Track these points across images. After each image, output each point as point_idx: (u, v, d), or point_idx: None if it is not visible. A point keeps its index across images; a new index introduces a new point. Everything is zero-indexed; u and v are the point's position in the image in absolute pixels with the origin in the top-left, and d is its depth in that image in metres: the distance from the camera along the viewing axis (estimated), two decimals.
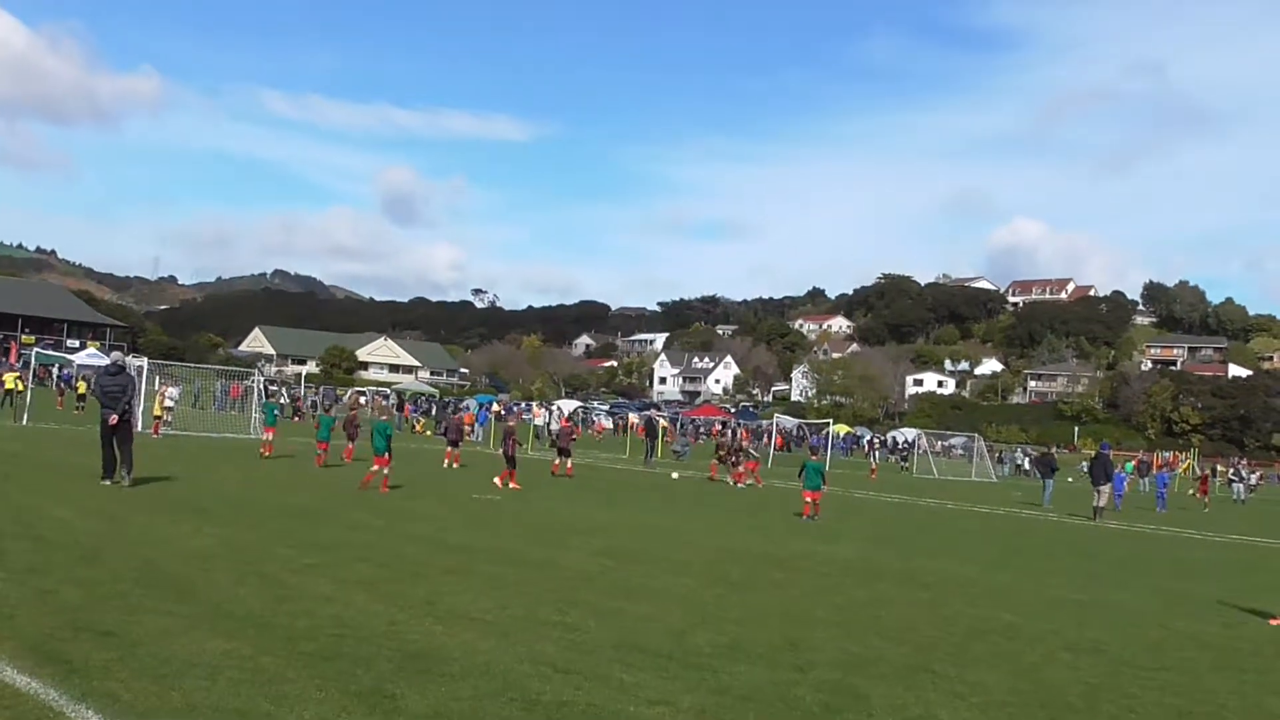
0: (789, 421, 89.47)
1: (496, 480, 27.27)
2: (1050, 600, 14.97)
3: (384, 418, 27.70)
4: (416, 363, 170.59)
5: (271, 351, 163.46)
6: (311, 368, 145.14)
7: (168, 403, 42.46)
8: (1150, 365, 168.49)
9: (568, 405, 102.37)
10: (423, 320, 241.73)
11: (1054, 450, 46.47)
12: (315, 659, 8.44)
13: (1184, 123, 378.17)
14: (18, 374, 54.98)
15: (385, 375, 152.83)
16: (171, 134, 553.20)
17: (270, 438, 32.36)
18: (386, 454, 23.69)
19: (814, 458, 26.68)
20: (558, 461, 33.07)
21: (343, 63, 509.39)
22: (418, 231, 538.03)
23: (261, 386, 48.65)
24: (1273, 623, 14.96)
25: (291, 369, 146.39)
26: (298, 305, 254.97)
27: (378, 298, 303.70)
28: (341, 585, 11.70)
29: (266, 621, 9.60)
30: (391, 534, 16.53)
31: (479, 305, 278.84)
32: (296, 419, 63.46)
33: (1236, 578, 20.53)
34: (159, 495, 19.41)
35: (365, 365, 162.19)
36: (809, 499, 24.67)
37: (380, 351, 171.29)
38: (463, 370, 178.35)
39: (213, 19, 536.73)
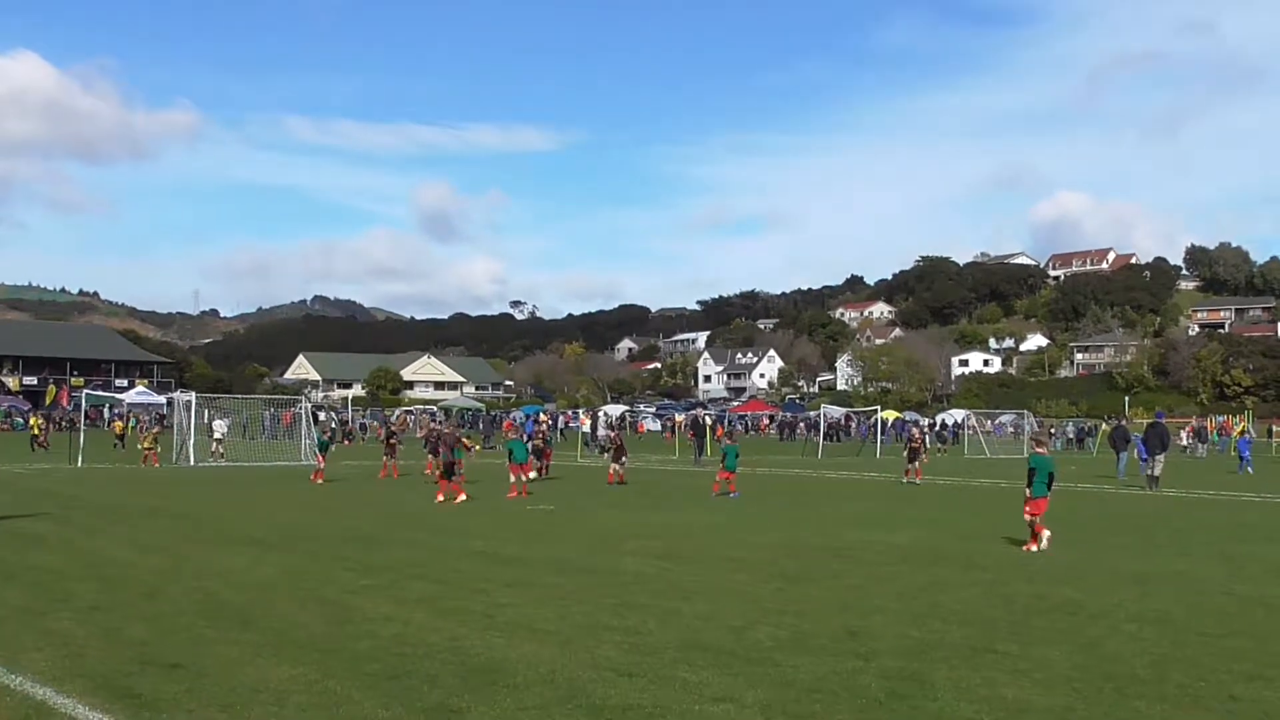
0: (836, 411, 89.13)
1: (439, 496, 25.55)
2: (1111, 573, 14.83)
3: (514, 436, 29.05)
4: (461, 379, 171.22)
5: (317, 377, 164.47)
6: (358, 390, 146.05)
7: (217, 434, 42.89)
8: (1197, 330, 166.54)
9: (615, 410, 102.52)
10: (464, 336, 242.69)
11: (1125, 422, 45.71)
12: (380, 679, 8.52)
13: (1222, 82, 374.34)
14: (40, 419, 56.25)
15: (431, 393, 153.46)
16: (205, 168, 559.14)
17: (321, 465, 32.53)
18: (526, 463, 26.78)
19: (729, 441, 29.95)
20: (613, 469, 31.95)
21: (363, 86, 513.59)
22: (457, 248, 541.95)
23: (310, 413, 48.96)
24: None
25: (338, 393, 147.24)
26: (339, 329, 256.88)
27: (418, 316, 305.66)
28: (401, 604, 11.79)
29: (330, 645, 9.70)
30: (447, 551, 16.61)
31: (519, 317, 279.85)
32: (347, 443, 63.87)
33: None
34: (216, 528, 19.62)
35: (410, 384, 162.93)
36: (721, 478, 27.40)
37: (424, 370, 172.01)
38: (508, 383, 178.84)
39: (234, 49, 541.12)
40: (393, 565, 14.86)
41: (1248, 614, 11.89)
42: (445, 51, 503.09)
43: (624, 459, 31.83)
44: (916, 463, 33.99)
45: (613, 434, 36.30)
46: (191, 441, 41.95)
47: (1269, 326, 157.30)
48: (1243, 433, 67.54)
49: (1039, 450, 18.42)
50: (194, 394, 47.34)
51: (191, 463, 40.73)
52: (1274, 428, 77.92)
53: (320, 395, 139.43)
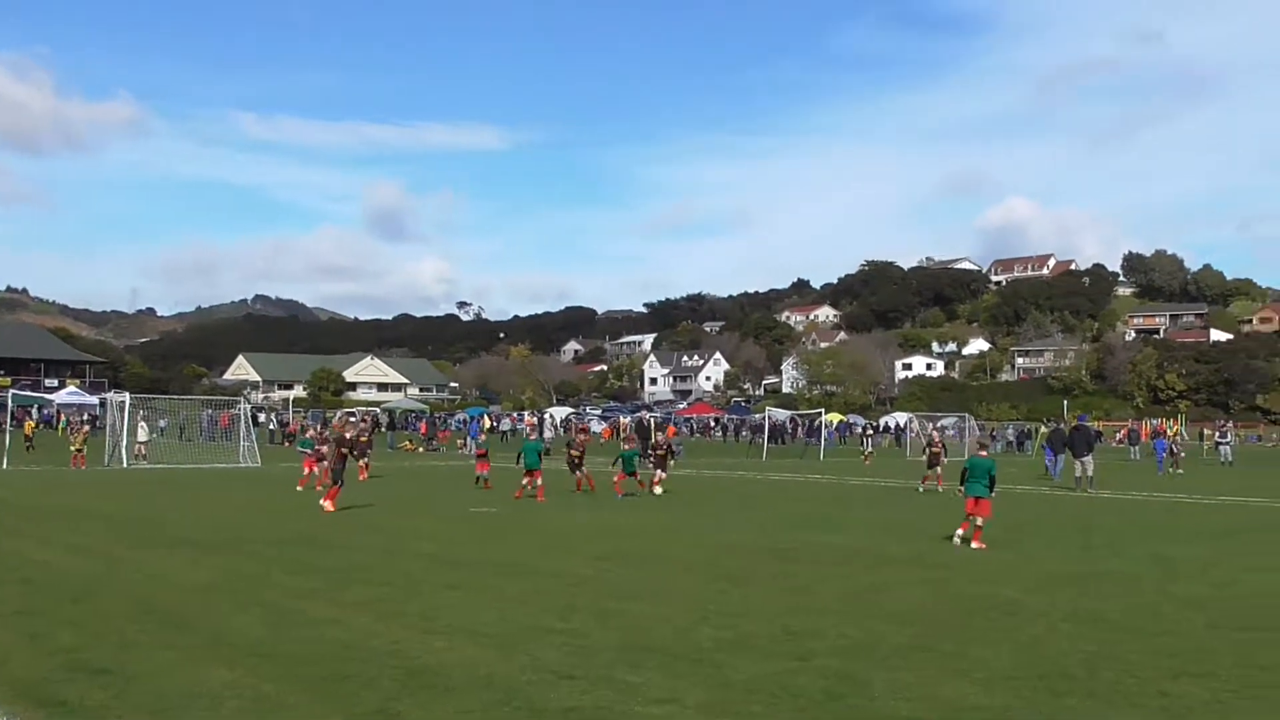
0: (781, 413, 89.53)
1: (325, 503, 23.35)
2: (1049, 574, 14.99)
3: (533, 436, 28.63)
4: (405, 380, 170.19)
5: (257, 378, 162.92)
6: (299, 392, 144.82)
7: (141, 437, 42.37)
8: (1134, 335, 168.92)
9: (559, 412, 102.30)
10: (409, 337, 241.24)
11: (1062, 425, 46.53)
12: (318, 683, 8.45)
13: (1168, 91, 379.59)
14: None
15: (374, 395, 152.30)
16: (146, 162, 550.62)
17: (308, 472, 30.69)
18: (538, 469, 26.56)
19: (628, 446, 30.03)
20: (578, 475, 29.70)
21: (314, 83, 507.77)
22: (406, 247, 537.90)
23: (249, 414, 48.45)
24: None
25: (278, 394, 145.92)
26: (281, 330, 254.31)
27: (362, 316, 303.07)
28: (343, 608, 11.70)
29: (268, 649, 9.59)
30: (391, 554, 16.50)
31: (464, 318, 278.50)
32: (287, 445, 63.36)
33: (1226, 538, 20.60)
34: (150, 530, 19.37)
35: (353, 386, 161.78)
36: (619, 480, 28.17)
37: (367, 371, 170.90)
38: (452, 384, 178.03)
39: (180, 43, 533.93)
40: (334, 568, 14.74)
41: (1178, 613, 12.06)
42: (398, 49, 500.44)
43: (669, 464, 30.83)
44: (938, 468, 31.93)
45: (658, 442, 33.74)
46: (125, 443, 41.42)
47: (1202, 332, 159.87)
48: (1175, 435, 68.61)
49: (980, 453, 19.01)
50: (128, 394, 46.65)
51: (125, 464, 40.19)
52: (1205, 431, 79.10)
53: (260, 396, 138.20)
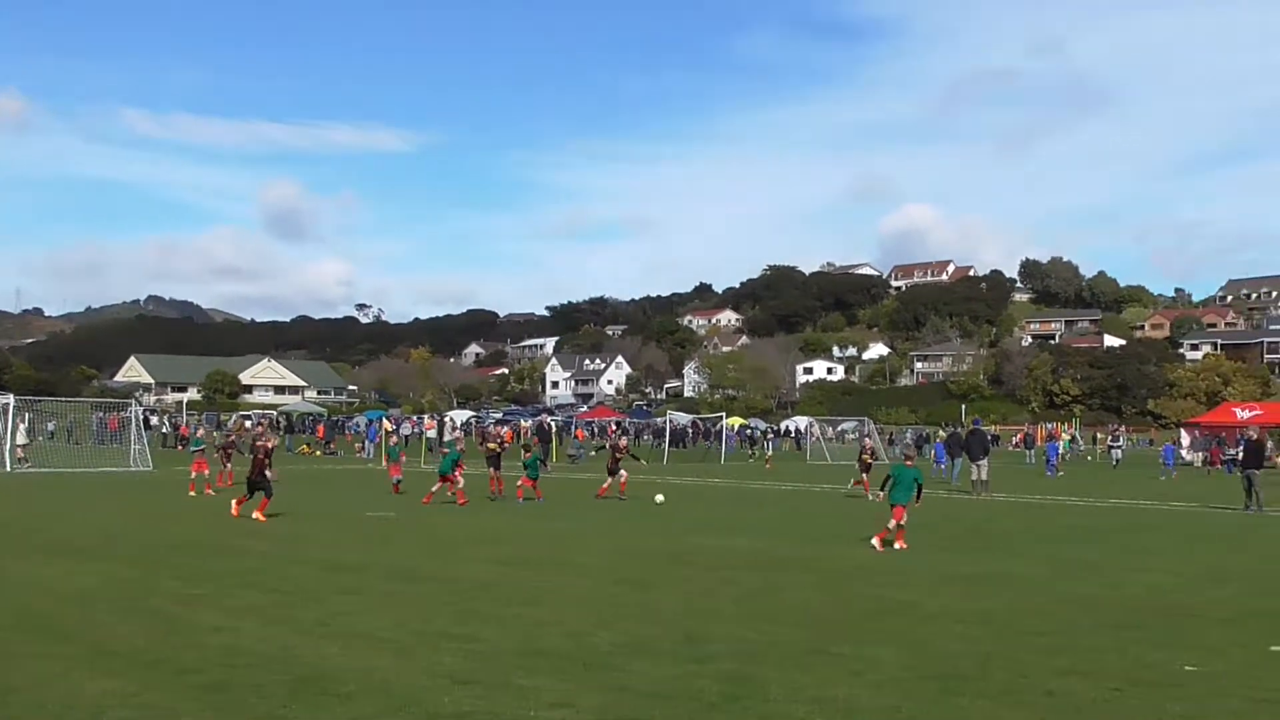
0: (682, 417, 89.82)
1: (233, 507, 22.52)
2: (944, 575, 15.20)
3: (461, 445, 28.38)
4: (303, 383, 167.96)
5: (149, 380, 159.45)
6: (193, 394, 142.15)
7: (20, 440, 41.22)
8: (1030, 340, 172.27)
9: (460, 415, 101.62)
10: (307, 339, 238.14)
11: (959, 429, 47.45)
12: (205, 690, 8.26)
13: (1068, 101, 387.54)
14: None
15: (271, 397, 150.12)
16: (32, 159, 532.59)
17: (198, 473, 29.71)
18: (453, 473, 26.45)
19: (527, 454, 29.47)
20: (501, 478, 29.12)
21: (209, 79, 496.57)
22: (305, 248, 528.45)
23: (141, 417, 47.36)
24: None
25: (171, 397, 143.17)
26: (175, 331, 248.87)
27: (259, 318, 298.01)
28: (231, 614, 11.47)
29: (153, 657, 9.37)
30: (283, 559, 16.24)
31: (364, 320, 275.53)
32: (180, 449, 62.10)
33: (1117, 539, 21.08)
34: (30, 536, 18.82)
35: (249, 389, 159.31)
36: (527, 484, 27.75)
37: (264, 373, 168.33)
38: (351, 387, 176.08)
39: (70, 39, 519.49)
40: (224, 573, 14.46)
41: (1066, 612, 12.29)
42: (298, 47, 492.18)
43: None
44: (867, 475, 31.69)
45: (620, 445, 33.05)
46: (8, 446, 40.25)
47: (1096, 338, 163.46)
48: (1069, 440, 70.35)
49: (907, 463, 19.29)
50: (13, 396, 45.30)
51: (8, 468, 39.06)
52: (1098, 435, 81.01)
53: (153, 399, 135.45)
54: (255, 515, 21.85)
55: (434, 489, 26.77)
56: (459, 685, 8.50)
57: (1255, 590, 14.32)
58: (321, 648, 9.82)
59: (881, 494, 19.14)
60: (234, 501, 22.80)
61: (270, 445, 23.30)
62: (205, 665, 9.06)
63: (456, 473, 26.73)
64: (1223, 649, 10.34)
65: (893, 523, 18.12)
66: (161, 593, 12.80)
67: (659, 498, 27.72)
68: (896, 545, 17.91)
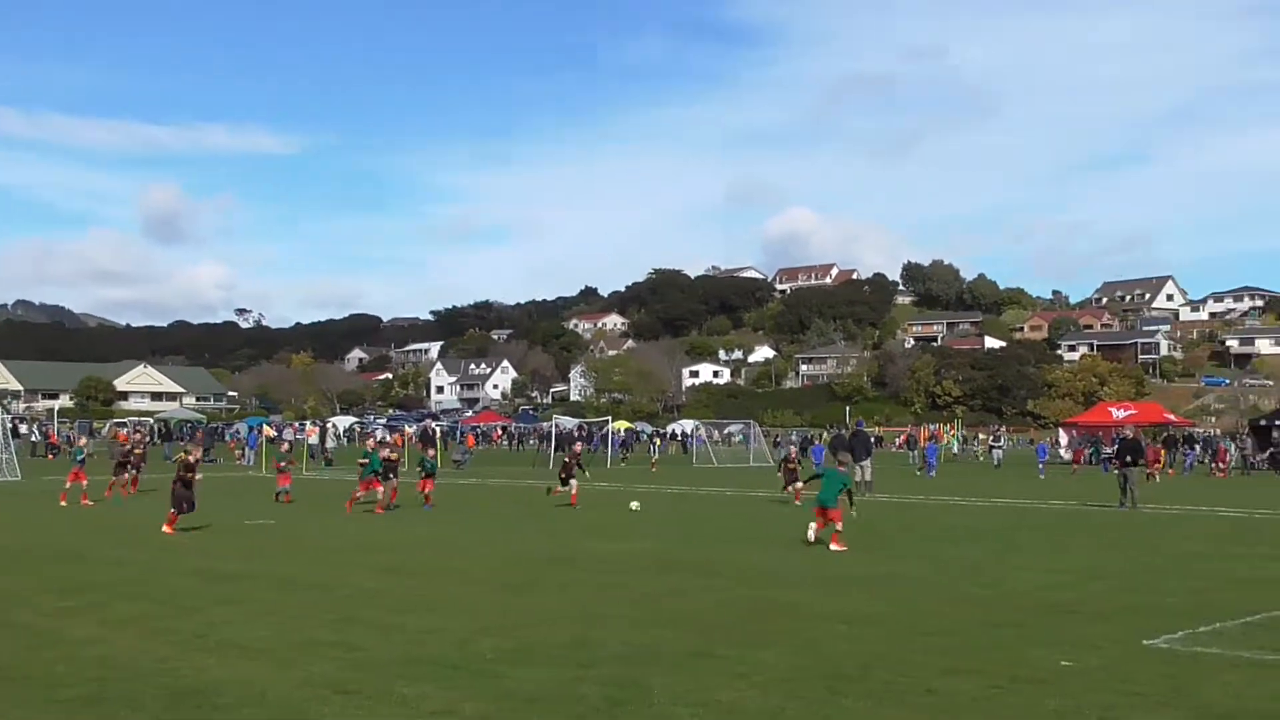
0: (568, 421, 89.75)
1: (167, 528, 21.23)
2: (829, 577, 15.36)
3: (383, 453, 27.94)
4: (181, 389, 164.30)
5: (18, 387, 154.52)
6: (65, 401, 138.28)
7: None
8: (912, 343, 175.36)
9: (343, 421, 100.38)
10: (186, 344, 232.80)
11: (844, 431, 48.24)
12: (76, 705, 8.06)
13: (947, 106, 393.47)
14: None
15: (148, 404, 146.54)
16: None
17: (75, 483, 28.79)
18: (375, 479, 26.56)
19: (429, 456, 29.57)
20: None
21: (83, 79, 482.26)
22: (183, 252, 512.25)
23: (8, 425, 45.85)
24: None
25: (42, 404, 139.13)
26: (45, 336, 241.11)
27: (135, 323, 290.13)
28: (106, 626, 11.19)
29: (22, 671, 9.10)
30: (162, 569, 15.88)
31: (244, 325, 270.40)
32: (51, 457, 60.38)
33: (997, 538, 21.53)
34: None
35: (125, 395, 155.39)
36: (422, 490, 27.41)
37: (140, 380, 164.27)
38: (231, 393, 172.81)
39: None
40: (100, 584, 14.11)
41: (947, 611, 12.50)
42: (175, 48, 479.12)
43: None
44: (798, 483, 30.46)
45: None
46: None
47: (977, 340, 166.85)
48: (959, 440, 71.87)
49: (840, 468, 20.54)
50: None
51: None
52: (980, 435, 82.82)
53: (22, 407, 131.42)
54: (164, 529, 21.07)
55: (358, 494, 26.63)
56: (339, 695, 8.38)
57: (1129, 586, 14.70)
58: (199, 659, 9.61)
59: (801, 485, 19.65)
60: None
61: (194, 459, 22.64)
62: (77, 679, 8.81)
63: (376, 482, 26.52)
64: (1098, 644, 10.58)
65: (838, 524, 18.73)
66: (33, 605, 12.44)
67: (634, 505, 27.39)
68: (831, 547, 18.36)
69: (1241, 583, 15.10)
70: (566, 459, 29.97)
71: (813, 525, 19.13)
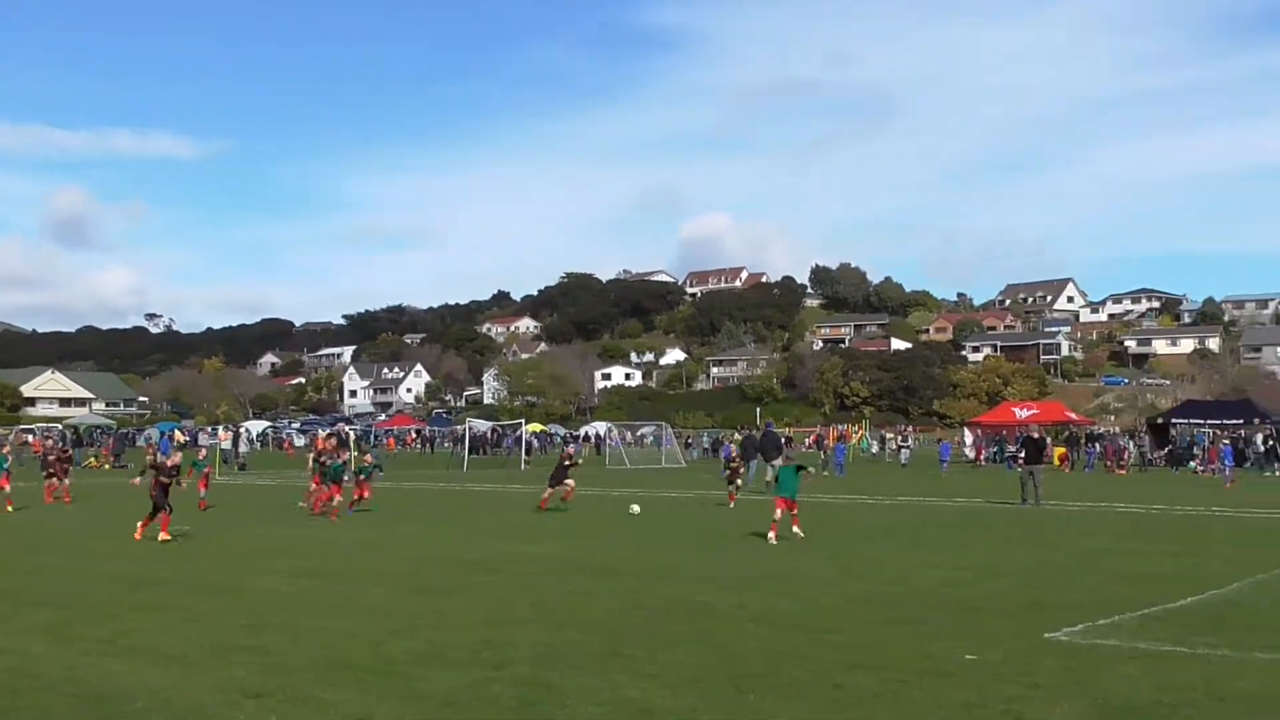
0: (482, 424, 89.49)
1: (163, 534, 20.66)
2: (739, 576, 15.59)
3: (342, 457, 27.93)
4: (90, 395, 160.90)
5: None
6: None
7: None
8: (821, 345, 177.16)
9: (256, 426, 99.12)
10: (94, 350, 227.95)
11: (754, 431, 48.62)
12: None
13: (858, 112, 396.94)
14: None
15: (56, 410, 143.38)
16: None
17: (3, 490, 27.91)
18: (338, 485, 26.10)
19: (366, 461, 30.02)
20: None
21: None
22: (90, 257, 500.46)
23: None
24: None
25: None
26: None
27: (42, 329, 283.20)
28: (17, 634, 11.12)
29: None
30: (77, 575, 15.75)
31: (154, 330, 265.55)
32: None
33: (902, 536, 21.97)
34: None
35: (32, 401, 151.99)
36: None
37: (48, 385, 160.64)
38: (142, 399, 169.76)
39: None
40: (8, 590, 13.99)
41: (853, 609, 12.80)
42: (79, 51, 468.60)
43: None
44: (736, 483, 30.77)
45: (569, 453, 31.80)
46: None
47: (883, 341, 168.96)
48: (857, 441, 72.79)
49: (789, 463, 24.04)
50: None
51: None
52: (886, 435, 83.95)
53: None
54: (162, 535, 20.64)
55: (330, 500, 26.11)
56: (251, 699, 8.43)
57: (1031, 582, 15.07)
58: (109, 666, 9.61)
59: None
60: (139, 524, 20.91)
61: (170, 464, 22.24)
62: None
63: (336, 489, 26.10)
64: (1000, 639, 10.90)
65: (778, 512, 20.37)
66: None
67: (634, 508, 27.15)
68: (794, 529, 20.64)
69: (1140, 577, 15.54)
70: (565, 462, 29.71)
71: (771, 534, 20.07)
